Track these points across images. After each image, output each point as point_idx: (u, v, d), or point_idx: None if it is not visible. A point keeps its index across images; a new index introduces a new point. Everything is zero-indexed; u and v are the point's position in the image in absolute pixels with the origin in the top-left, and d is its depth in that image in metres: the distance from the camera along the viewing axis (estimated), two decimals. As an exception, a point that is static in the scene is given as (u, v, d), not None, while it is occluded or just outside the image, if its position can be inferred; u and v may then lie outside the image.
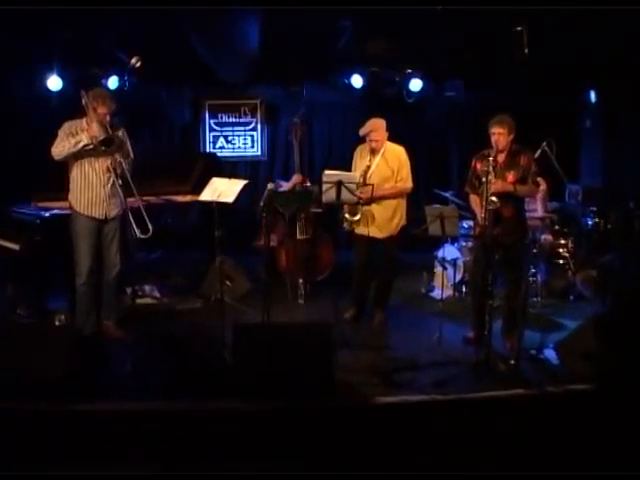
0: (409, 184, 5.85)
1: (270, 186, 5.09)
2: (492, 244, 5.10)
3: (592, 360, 4.63)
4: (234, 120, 9.43)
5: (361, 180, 5.61)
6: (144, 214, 5.05)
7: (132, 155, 5.40)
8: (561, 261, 7.25)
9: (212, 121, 9.41)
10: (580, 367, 4.68)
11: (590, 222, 8.06)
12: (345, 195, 4.94)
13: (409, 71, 8.79)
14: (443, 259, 6.97)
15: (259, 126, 9.43)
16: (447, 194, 7.60)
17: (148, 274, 6.88)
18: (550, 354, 4.98)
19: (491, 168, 5.12)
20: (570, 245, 7.30)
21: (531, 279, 7.09)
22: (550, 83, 8.69)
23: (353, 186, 4.96)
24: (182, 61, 8.39)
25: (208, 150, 9.36)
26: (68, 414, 4.09)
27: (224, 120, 9.42)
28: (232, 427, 4.07)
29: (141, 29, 7.63)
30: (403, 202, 5.89)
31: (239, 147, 9.47)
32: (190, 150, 8.83)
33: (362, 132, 5.81)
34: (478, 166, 5.30)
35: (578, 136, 9.65)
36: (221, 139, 9.43)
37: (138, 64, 7.76)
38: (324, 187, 4.98)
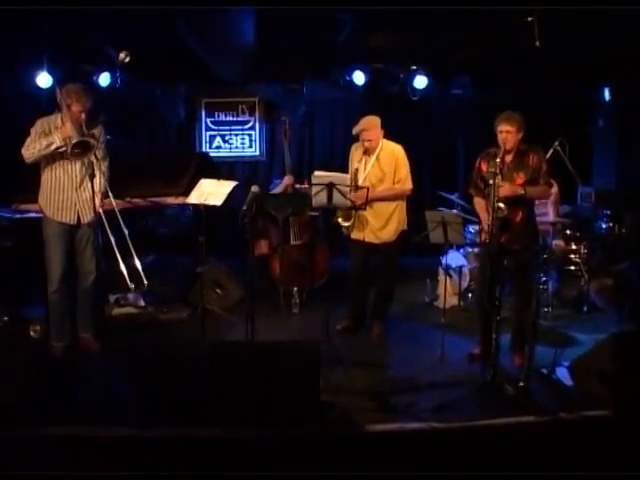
0: (408, 186, 5.34)
1: (254, 189, 4.55)
2: (499, 253, 4.59)
3: (610, 383, 4.08)
4: (231, 119, 8.93)
5: (354, 182, 5.12)
6: (120, 221, 4.57)
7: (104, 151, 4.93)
8: (573, 267, 6.74)
9: (209, 120, 8.92)
10: (597, 390, 4.14)
11: (604, 226, 7.58)
12: (337, 198, 4.43)
13: (414, 67, 8.25)
14: (448, 266, 6.45)
15: (257, 125, 8.93)
16: (453, 196, 7.09)
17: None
18: (563, 374, 4.44)
19: (498, 170, 4.61)
20: (583, 251, 6.77)
21: (541, 287, 6.57)
22: (562, 80, 8.15)
23: (346, 189, 4.44)
24: (176, 57, 7.90)
25: (205, 150, 8.88)
26: (22, 440, 3.61)
27: (221, 119, 8.93)
28: (206, 456, 3.58)
29: (133, 24, 7.15)
30: (402, 205, 5.39)
31: (237, 147, 8.97)
32: (182, 150, 8.32)
33: (355, 131, 5.32)
34: (483, 166, 4.79)
35: (591, 136, 9.06)
36: (218, 138, 8.94)
37: (127, 59, 7.29)
38: (314, 190, 4.48)
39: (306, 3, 6.43)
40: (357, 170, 5.23)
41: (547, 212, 6.65)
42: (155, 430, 3.76)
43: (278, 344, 4.31)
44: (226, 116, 8.91)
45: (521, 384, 4.23)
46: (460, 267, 6.31)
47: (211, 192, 5.57)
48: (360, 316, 5.62)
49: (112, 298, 6.04)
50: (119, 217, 4.69)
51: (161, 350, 4.90)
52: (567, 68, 7.88)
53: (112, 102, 8.29)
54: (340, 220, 5.31)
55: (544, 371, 4.54)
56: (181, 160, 7.18)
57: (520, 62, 7.76)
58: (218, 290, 6.40)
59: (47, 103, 7.94)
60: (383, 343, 5.35)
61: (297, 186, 6.52)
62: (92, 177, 4.46)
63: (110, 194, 4.81)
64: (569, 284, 6.65)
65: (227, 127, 8.93)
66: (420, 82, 8.24)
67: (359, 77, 8.19)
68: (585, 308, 6.22)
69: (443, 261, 6.51)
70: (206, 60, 7.81)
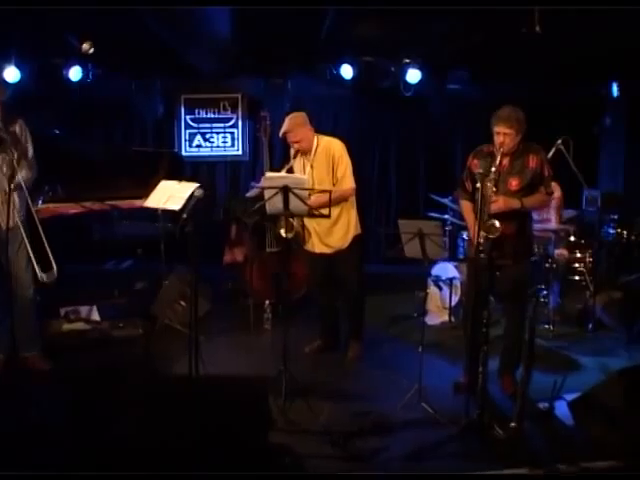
0: (348, 184, 4.57)
1: (198, 193, 3.83)
2: (489, 268, 3.86)
3: (618, 427, 3.33)
4: (213, 116, 8.19)
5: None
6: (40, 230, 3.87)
7: (31, 154, 4.24)
8: (577, 278, 5.98)
9: (188, 117, 8.20)
10: (603, 435, 3.38)
11: (611, 232, 6.78)
12: (296, 205, 3.67)
13: (406, 60, 7.49)
14: (437, 278, 5.72)
15: (240, 123, 8.20)
16: (445, 200, 6.34)
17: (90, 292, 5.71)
18: (564, 411, 3.68)
19: (492, 177, 3.86)
20: (588, 259, 6.02)
21: (542, 301, 5.81)
22: (567, 74, 7.38)
23: (304, 193, 3.69)
24: (151, 50, 7.22)
25: (185, 149, 8.17)
26: None
27: (201, 116, 8.20)
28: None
29: (103, 15, 6.46)
30: (349, 207, 4.64)
31: (218, 146, 8.23)
32: (151, 148, 7.57)
33: (280, 134, 4.59)
34: (475, 165, 4.05)
35: (598, 135, 8.25)
36: (198, 137, 8.22)
37: (91, 50, 6.57)
38: (267, 194, 3.74)
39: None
40: (290, 171, 4.54)
41: (549, 218, 5.90)
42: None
43: (222, 379, 3.60)
44: (207, 113, 8.19)
45: (513, 425, 3.47)
46: (451, 279, 5.55)
47: (171, 195, 4.90)
48: (331, 336, 4.90)
49: (62, 312, 5.35)
50: (37, 221, 4.01)
51: (94, 378, 4.17)
52: (573, 61, 7.11)
53: (84, 98, 7.69)
54: (282, 231, 4.57)
55: (541, 407, 3.79)
56: (150, 159, 6.50)
57: (523, 55, 7.01)
58: (182, 302, 5.68)
59: (14, 98, 7.42)
60: (357, 368, 4.60)
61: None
62: (11, 178, 3.75)
63: (29, 198, 4.12)
64: (573, 297, 5.89)
65: (208, 125, 8.20)
66: (413, 76, 7.48)
67: (347, 71, 7.46)
68: (590, 325, 5.44)
69: (433, 272, 5.84)
70: (180, 52, 7.14)
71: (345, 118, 8.25)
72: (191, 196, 3.89)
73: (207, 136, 8.22)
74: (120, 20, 6.46)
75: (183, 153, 8.17)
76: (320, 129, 8.13)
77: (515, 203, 3.90)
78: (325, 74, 7.53)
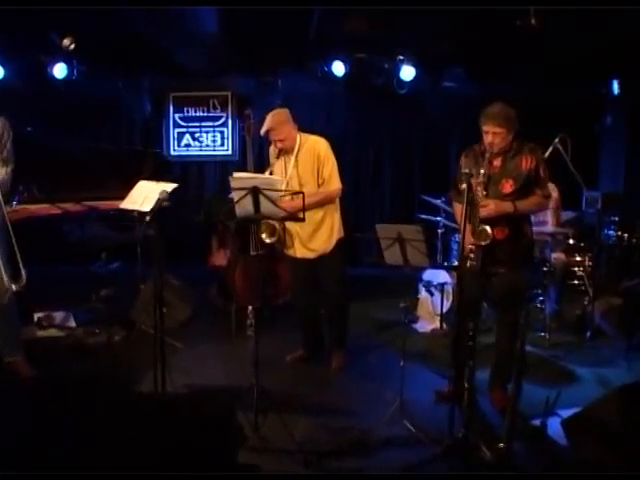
0: (334, 186, 4.29)
1: (162, 195, 3.55)
2: (480, 275, 3.59)
3: (617, 448, 3.03)
4: (202, 114, 7.94)
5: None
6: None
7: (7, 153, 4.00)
8: (576, 282, 5.69)
9: (177, 116, 7.95)
10: (600, 457, 3.08)
11: (612, 235, 6.50)
12: (267, 207, 3.38)
13: (400, 57, 7.20)
14: (428, 283, 5.43)
15: (230, 122, 7.94)
16: (438, 201, 6.05)
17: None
18: (557, 430, 3.38)
19: (481, 180, 3.59)
20: (588, 263, 5.73)
21: (538, 307, 5.54)
22: (566, 72, 7.08)
23: (276, 194, 3.40)
24: (138, 47, 6.96)
25: (173, 149, 7.91)
26: None
27: (190, 114, 7.95)
28: None
29: (90, 12, 6.19)
30: (333, 209, 4.36)
31: (207, 145, 7.98)
32: (136, 148, 7.29)
33: (262, 132, 4.30)
34: (464, 163, 3.77)
35: (598, 134, 7.95)
36: (187, 136, 7.96)
37: (72, 46, 6.30)
38: (235, 195, 3.44)
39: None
40: (271, 172, 4.26)
41: (546, 220, 5.62)
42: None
43: (192, 392, 3.32)
44: (196, 112, 7.93)
45: (501, 445, 3.17)
46: (442, 285, 5.26)
47: (147, 197, 4.64)
48: (314, 345, 4.62)
49: (36, 317, 5.08)
50: (9, 227, 3.74)
51: (58, 389, 3.88)
52: (573, 58, 6.81)
53: (70, 96, 7.43)
54: (264, 236, 4.31)
55: (532, 424, 3.50)
56: (132, 159, 6.22)
57: (522, 51, 6.73)
58: (163, 308, 5.40)
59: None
60: (339, 380, 4.31)
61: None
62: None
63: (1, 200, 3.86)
64: (571, 303, 5.59)
65: (197, 123, 7.95)
66: (407, 73, 7.20)
67: (338, 68, 7.19)
68: (588, 333, 5.13)
69: (424, 276, 5.56)
70: (167, 50, 6.87)
71: (338, 117, 7.97)
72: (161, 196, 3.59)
73: (196, 135, 7.96)
74: (105, 17, 6.22)
75: (172, 153, 7.94)
76: (312, 128, 7.91)
77: (508, 207, 3.61)
78: (316, 71, 7.25)
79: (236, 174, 3.64)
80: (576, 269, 5.75)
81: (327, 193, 4.24)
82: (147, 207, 4.52)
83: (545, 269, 5.34)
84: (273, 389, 3.72)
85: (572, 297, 5.65)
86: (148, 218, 3.33)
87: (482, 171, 3.60)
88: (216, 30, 6.49)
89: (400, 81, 7.27)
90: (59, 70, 7.19)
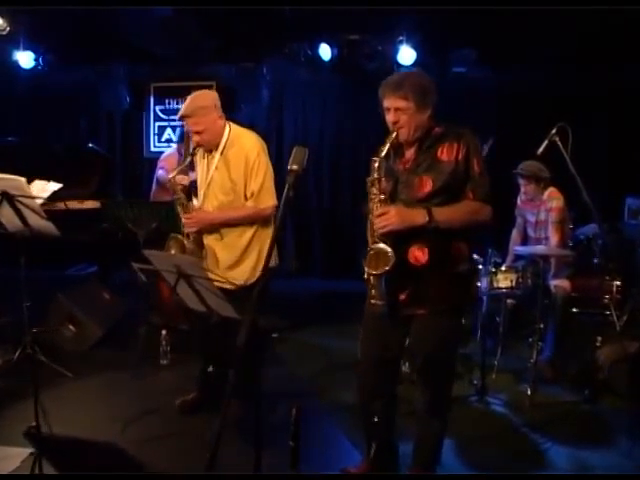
0: (266, 203, 3.10)
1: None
2: (393, 319, 2.39)
3: None
4: (184, 107, 6.90)
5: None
6: None
7: None
8: (607, 312, 4.20)
9: (158, 108, 6.95)
10: None
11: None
12: (34, 219, 2.27)
13: (400, 38, 5.90)
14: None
15: (214, 114, 6.85)
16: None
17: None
18: None
19: (375, 177, 2.39)
20: (616, 287, 4.23)
21: (537, 348, 4.10)
22: (602, 55, 5.57)
23: (34, 202, 2.27)
24: (108, 33, 6.03)
25: (154, 144, 6.94)
26: None
27: (172, 107, 6.93)
28: None
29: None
30: (265, 232, 3.18)
31: (190, 140, 6.93)
32: (82, 149, 6.24)
33: (177, 117, 3.16)
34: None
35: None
36: (168, 130, 6.96)
37: (7, 29, 5.39)
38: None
39: None
40: (184, 169, 3.16)
41: (547, 236, 4.22)
42: None
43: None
44: (178, 103, 6.89)
45: None
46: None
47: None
48: (211, 387, 3.46)
49: None
50: None
51: None
52: (610, 38, 5.32)
53: (38, 88, 6.58)
54: (172, 252, 3.20)
55: None
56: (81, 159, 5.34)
57: (542, 29, 5.32)
58: (71, 326, 4.42)
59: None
60: (226, 437, 3.11)
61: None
62: None
63: None
64: (575, 345, 4.15)
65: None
66: (406, 56, 5.90)
67: (325, 51, 5.97)
68: (587, 391, 3.68)
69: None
70: (131, 35, 5.91)
71: (332, 106, 6.72)
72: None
73: (178, 130, 6.92)
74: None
75: (152, 149, 6.96)
76: (305, 120, 6.81)
77: (418, 216, 2.35)
78: (299, 55, 6.05)
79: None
80: (606, 297, 4.21)
81: (255, 210, 3.07)
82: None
83: (547, 302, 3.99)
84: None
85: (581, 336, 4.21)
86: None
87: (375, 162, 2.38)
88: (170, 13, 5.48)
89: (399, 65, 5.97)
90: (25, 59, 6.37)
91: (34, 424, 2.59)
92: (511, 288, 3.96)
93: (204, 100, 3.07)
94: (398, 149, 2.50)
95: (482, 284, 3.95)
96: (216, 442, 1.90)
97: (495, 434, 3.23)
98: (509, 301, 4.42)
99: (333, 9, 5.33)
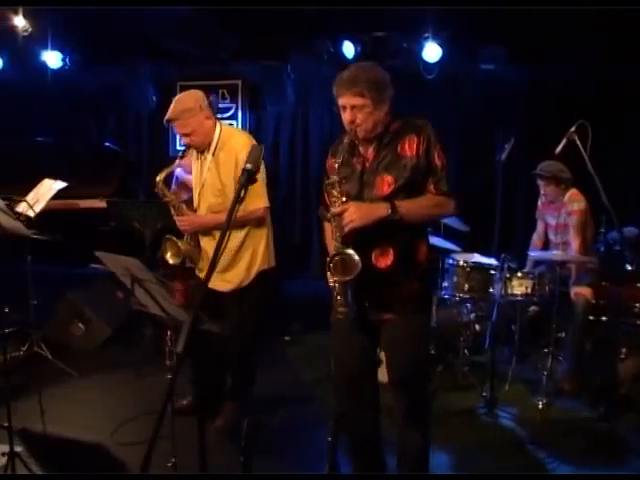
0: (256, 204, 3.01)
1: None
2: (360, 326, 2.26)
3: None
4: (211, 106, 6.86)
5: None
6: None
7: None
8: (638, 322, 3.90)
9: (183, 107, 6.92)
10: None
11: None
12: (7, 220, 2.20)
13: (426, 35, 5.70)
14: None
15: (240, 113, 6.79)
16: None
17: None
18: None
19: (335, 180, 2.25)
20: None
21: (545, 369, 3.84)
22: (632, 49, 5.25)
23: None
24: (134, 33, 6.06)
25: (178, 144, 6.91)
26: None
27: (198, 106, 6.89)
28: None
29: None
30: (259, 234, 3.09)
31: (215, 140, 6.89)
32: (100, 148, 6.24)
33: (164, 121, 3.06)
34: (331, 165, 2.38)
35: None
36: (194, 129, 6.92)
37: (29, 30, 5.41)
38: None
39: None
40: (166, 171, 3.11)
41: (568, 241, 3.98)
42: None
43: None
44: (204, 102, 6.87)
45: None
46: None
47: (39, 200, 3.87)
48: (207, 391, 3.36)
49: None
50: None
51: None
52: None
53: (65, 88, 6.64)
54: (168, 255, 3.14)
55: None
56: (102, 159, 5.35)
57: (575, 25, 5.06)
58: (80, 325, 4.40)
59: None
60: (217, 445, 3.00)
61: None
62: None
63: None
64: (597, 359, 3.89)
65: (205, 116, 6.88)
66: (431, 53, 5.70)
67: (349, 48, 5.83)
68: (602, 409, 3.42)
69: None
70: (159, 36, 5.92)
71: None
72: None
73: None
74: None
75: (177, 147, 6.95)
76: (332, 120, 6.67)
77: (379, 209, 2.19)
78: (322, 53, 5.90)
79: None
80: (637, 305, 3.92)
81: (243, 213, 2.92)
82: (38, 208, 3.77)
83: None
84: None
85: (608, 346, 3.93)
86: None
87: (336, 166, 2.24)
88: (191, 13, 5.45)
89: (427, 64, 5.77)
90: (53, 59, 6.44)
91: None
92: (527, 295, 3.75)
93: (188, 102, 3.00)
94: (353, 148, 2.35)
95: (495, 290, 3.74)
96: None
97: (497, 448, 3.03)
98: (532, 308, 4.22)
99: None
